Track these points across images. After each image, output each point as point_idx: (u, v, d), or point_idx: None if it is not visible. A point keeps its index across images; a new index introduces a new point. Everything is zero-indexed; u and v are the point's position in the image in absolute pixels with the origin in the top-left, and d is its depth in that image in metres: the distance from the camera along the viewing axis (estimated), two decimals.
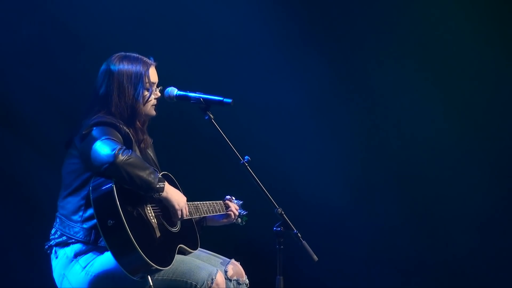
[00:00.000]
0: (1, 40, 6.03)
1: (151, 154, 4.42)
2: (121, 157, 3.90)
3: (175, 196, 4.15)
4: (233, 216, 4.66)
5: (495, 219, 6.74)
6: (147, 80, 4.23)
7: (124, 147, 3.97)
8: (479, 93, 6.75)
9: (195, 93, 4.23)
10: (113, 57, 4.27)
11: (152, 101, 4.28)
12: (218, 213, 4.60)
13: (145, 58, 4.29)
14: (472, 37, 6.69)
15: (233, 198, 4.72)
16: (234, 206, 4.67)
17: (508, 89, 6.71)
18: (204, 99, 4.19)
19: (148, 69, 4.24)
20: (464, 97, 6.77)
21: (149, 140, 4.40)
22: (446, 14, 6.69)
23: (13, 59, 6.10)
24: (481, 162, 6.81)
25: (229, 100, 4.17)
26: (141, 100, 4.23)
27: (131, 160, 3.93)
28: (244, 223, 4.72)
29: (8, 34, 6.02)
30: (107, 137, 3.98)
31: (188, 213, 4.24)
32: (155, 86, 4.30)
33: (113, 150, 3.91)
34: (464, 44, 6.73)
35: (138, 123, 4.27)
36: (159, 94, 4.30)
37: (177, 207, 4.14)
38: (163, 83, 4.36)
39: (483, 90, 6.75)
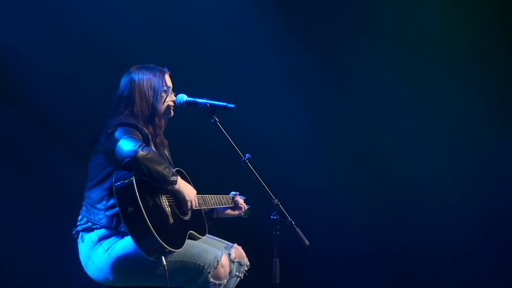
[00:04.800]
0: (39, 58, 6.03)
1: (167, 154, 4.51)
2: (141, 153, 3.97)
3: (186, 189, 4.21)
4: (243, 209, 4.73)
5: (475, 214, 6.69)
6: (163, 84, 4.35)
7: (144, 144, 4.06)
8: (448, 92, 6.73)
9: (202, 99, 4.33)
10: (133, 68, 4.41)
11: (169, 102, 4.37)
12: (224, 206, 4.66)
13: (160, 67, 4.42)
14: (447, 42, 6.68)
15: (238, 193, 4.78)
16: (241, 201, 4.75)
17: (476, 92, 6.71)
18: (210, 104, 4.29)
19: (163, 76, 4.37)
20: (435, 96, 6.77)
21: (165, 142, 4.51)
22: (428, 17, 6.66)
23: (47, 72, 6.08)
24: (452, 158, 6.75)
25: (232, 105, 4.27)
26: (159, 101, 4.33)
27: (149, 155, 4.01)
28: (246, 216, 4.78)
29: (43, 51, 6.03)
30: (129, 135, 4.07)
31: (197, 204, 4.30)
32: (170, 90, 4.40)
33: (134, 146, 3.99)
34: (441, 48, 6.70)
35: (157, 120, 4.36)
36: (174, 98, 4.40)
37: (187, 198, 4.20)
38: (174, 90, 4.47)
39: (452, 89, 6.73)
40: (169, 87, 4.39)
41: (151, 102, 4.31)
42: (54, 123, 6.17)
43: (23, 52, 5.97)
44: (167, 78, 4.41)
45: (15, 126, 6.12)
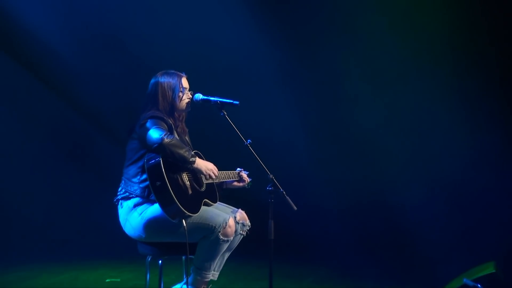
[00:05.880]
0: (92, 70, 6.74)
1: (187, 139, 4.81)
2: (167, 140, 4.35)
3: (203, 165, 4.58)
4: (246, 182, 5.05)
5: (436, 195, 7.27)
6: (180, 86, 4.70)
7: (169, 133, 4.41)
8: (404, 89, 7.26)
9: (214, 97, 4.67)
10: (158, 73, 4.77)
11: (186, 100, 4.71)
12: (232, 179, 4.99)
13: (179, 72, 4.78)
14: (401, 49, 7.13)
15: (242, 169, 5.12)
16: (245, 175, 5.07)
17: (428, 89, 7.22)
18: (220, 101, 4.64)
19: (181, 79, 4.72)
20: (393, 94, 7.29)
21: (186, 130, 4.82)
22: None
23: (98, 79, 6.88)
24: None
25: (237, 102, 4.64)
26: (177, 99, 4.68)
27: (173, 142, 4.38)
28: (249, 187, 5.14)
29: (98, 63, 6.82)
30: (157, 126, 4.42)
31: (214, 175, 4.61)
32: (187, 90, 4.74)
33: (161, 135, 4.34)
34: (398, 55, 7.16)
35: (176, 114, 4.71)
36: (191, 96, 4.72)
37: (205, 172, 4.57)
38: (192, 89, 4.80)
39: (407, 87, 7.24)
40: (185, 88, 4.73)
41: (171, 100, 4.66)
42: (101, 117, 6.83)
43: (82, 63, 6.57)
44: (184, 80, 4.74)
45: (71, 120, 6.75)
